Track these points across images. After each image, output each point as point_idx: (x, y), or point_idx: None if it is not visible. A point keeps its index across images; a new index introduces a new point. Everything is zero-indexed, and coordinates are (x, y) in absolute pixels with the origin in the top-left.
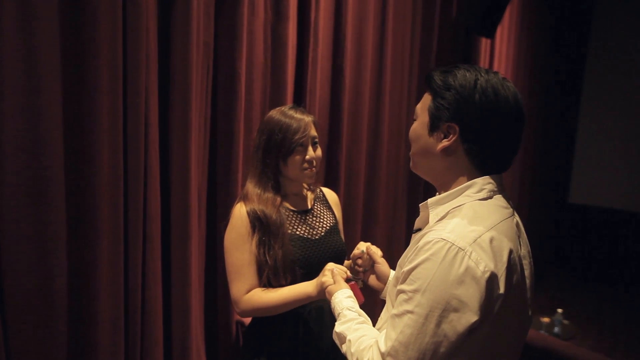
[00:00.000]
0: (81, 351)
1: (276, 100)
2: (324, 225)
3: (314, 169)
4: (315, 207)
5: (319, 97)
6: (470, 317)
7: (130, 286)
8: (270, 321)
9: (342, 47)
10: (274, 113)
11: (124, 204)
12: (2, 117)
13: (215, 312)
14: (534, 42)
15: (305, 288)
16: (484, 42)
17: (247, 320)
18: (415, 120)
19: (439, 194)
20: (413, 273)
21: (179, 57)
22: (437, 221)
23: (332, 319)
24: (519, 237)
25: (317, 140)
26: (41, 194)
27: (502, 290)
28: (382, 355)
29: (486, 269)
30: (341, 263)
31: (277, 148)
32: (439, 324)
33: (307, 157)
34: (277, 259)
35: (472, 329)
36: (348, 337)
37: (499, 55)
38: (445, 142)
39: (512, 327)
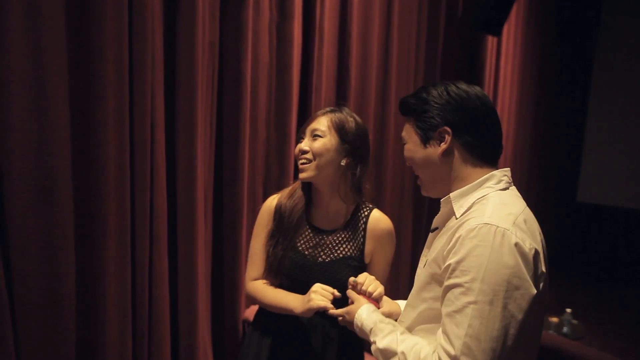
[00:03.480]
0: (89, 349)
1: (282, 100)
2: (335, 254)
3: (306, 161)
4: (340, 232)
5: (325, 97)
6: (531, 290)
7: (138, 285)
8: (272, 317)
9: (347, 46)
10: None
11: (131, 203)
12: (10, 117)
13: (222, 312)
14: (540, 40)
15: (291, 302)
16: (491, 40)
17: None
18: (405, 144)
19: None
20: (463, 263)
21: (185, 57)
22: (464, 212)
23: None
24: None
25: (319, 132)
26: (48, 195)
27: (543, 267)
28: (455, 358)
29: (531, 246)
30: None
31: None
32: (505, 306)
33: (297, 148)
34: (275, 258)
35: (531, 305)
36: (400, 350)
37: (506, 54)
38: (443, 146)
39: (542, 313)
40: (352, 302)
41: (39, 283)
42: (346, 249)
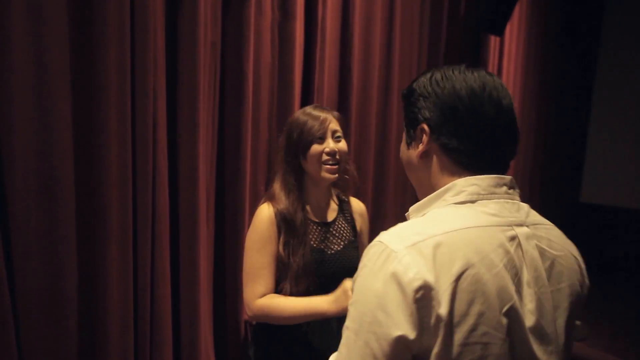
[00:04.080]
0: (91, 349)
1: (284, 100)
2: (342, 240)
3: (335, 163)
4: (338, 220)
5: (327, 97)
6: (394, 330)
7: (139, 286)
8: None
9: (349, 46)
10: (295, 113)
11: (133, 204)
12: (12, 118)
13: (224, 312)
14: (543, 39)
15: (321, 305)
16: (493, 40)
17: None
18: None
19: None
20: (354, 284)
21: (187, 57)
22: None
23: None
24: (509, 254)
25: (339, 134)
26: (51, 195)
27: (443, 310)
28: None
29: (417, 276)
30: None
31: (295, 145)
32: (367, 342)
33: (327, 149)
34: (300, 265)
35: (401, 351)
36: None
37: (508, 54)
38: (420, 147)
39: None
40: None
41: (41, 283)
42: (348, 234)
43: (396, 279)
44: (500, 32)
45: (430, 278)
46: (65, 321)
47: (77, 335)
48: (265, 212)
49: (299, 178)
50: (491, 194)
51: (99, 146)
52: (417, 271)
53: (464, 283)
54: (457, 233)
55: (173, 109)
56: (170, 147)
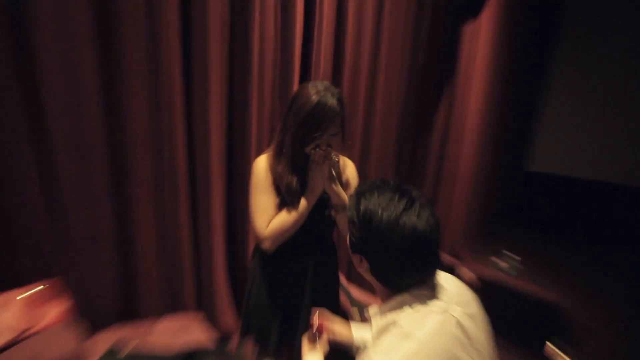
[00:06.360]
0: (127, 281)
1: (285, 72)
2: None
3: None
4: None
5: (323, 71)
6: None
7: (165, 231)
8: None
9: (343, 25)
10: (310, 90)
11: (157, 163)
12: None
13: (234, 253)
14: (511, 16)
15: (310, 195)
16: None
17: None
18: None
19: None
20: None
21: (199, 31)
22: (377, 336)
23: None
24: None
25: (334, 133)
26: (83, 155)
27: None
28: None
29: None
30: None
31: (304, 133)
32: None
33: (319, 146)
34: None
35: None
36: None
37: (486, 35)
38: (369, 273)
39: None
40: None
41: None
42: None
43: None
44: (475, 14)
45: None
46: (105, 257)
47: (114, 270)
48: (263, 163)
49: (295, 153)
50: (427, 296)
51: (125, 110)
52: None
53: None
54: (430, 341)
55: (188, 79)
56: (185, 112)
